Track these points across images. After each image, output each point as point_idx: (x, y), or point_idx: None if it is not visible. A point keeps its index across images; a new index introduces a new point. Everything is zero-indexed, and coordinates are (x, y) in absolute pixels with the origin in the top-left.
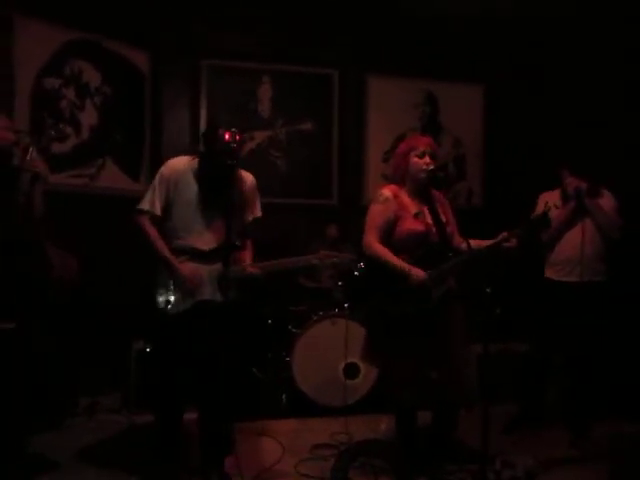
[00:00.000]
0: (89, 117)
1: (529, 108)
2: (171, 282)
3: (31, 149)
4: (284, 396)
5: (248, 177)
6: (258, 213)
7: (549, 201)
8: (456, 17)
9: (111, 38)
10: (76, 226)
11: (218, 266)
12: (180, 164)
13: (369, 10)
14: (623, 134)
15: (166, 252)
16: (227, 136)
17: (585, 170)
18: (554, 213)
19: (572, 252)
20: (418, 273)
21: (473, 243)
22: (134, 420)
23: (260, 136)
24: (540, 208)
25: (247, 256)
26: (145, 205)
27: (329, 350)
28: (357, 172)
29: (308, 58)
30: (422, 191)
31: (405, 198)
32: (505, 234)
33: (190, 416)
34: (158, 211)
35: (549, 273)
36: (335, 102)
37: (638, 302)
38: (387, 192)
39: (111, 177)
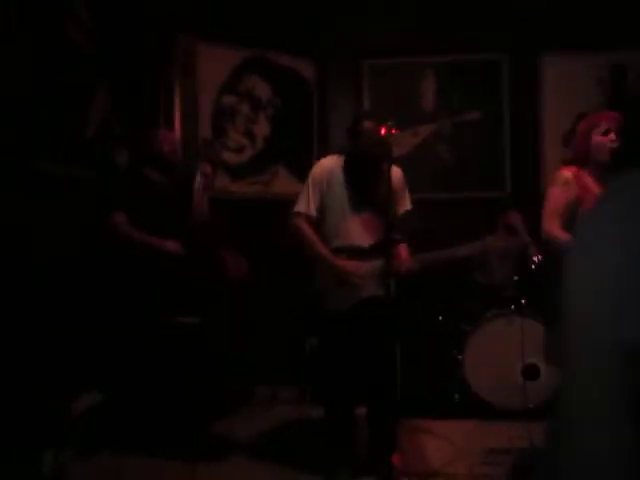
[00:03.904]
0: (262, 129)
1: None
2: (334, 281)
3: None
4: (457, 396)
5: (395, 171)
6: (408, 206)
7: None
8: None
9: (278, 51)
10: (253, 230)
11: (379, 262)
12: (329, 163)
13: None
14: None
15: (327, 251)
16: (378, 129)
17: None
18: None
19: None
20: None
21: None
22: (310, 413)
23: (425, 131)
24: None
25: (403, 250)
26: (301, 207)
27: (504, 350)
28: (532, 159)
29: (473, 45)
30: (608, 173)
31: (588, 180)
32: None
33: (361, 411)
34: (313, 212)
35: None
36: (505, 88)
37: None
38: (567, 173)
39: (283, 183)
